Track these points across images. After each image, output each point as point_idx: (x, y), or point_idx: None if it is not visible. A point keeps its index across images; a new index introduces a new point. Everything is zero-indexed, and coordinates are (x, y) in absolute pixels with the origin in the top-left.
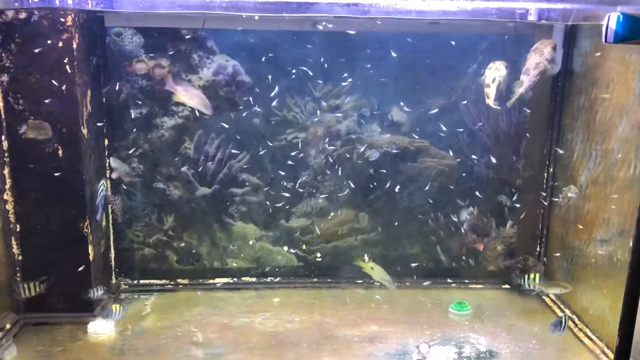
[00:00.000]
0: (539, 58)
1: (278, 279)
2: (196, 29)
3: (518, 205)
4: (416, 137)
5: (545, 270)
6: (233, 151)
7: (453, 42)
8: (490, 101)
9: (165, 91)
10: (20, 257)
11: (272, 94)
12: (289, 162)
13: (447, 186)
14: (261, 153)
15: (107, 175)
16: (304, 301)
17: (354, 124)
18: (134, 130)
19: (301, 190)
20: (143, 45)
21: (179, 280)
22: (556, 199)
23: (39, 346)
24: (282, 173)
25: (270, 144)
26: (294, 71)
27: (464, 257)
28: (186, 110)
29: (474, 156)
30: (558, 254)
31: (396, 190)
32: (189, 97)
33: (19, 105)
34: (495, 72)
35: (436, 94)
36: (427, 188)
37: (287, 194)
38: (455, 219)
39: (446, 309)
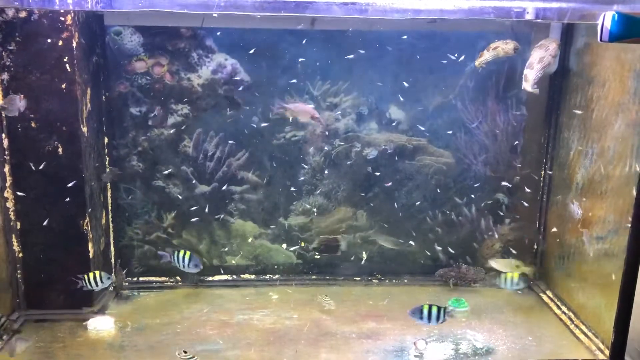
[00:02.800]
0: (544, 53)
1: (277, 276)
2: (195, 28)
3: (515, 203)
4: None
5: (543, 269)
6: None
7: (450, 41)
8: (479, 61)
9: (164, 90)
10: (20, 255)
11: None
12: (288, 160)
13: (445, 184)
14: (260, 151)
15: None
16: (302, 298)
17: (352, 122)
18: (134, 128)
19: (300, 188)
20: (142, 44)
21: (178, 278)
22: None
23: (39, 342)
24: (281, 171)
25: (269, 142)
26: (292, 69)
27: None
28: (185, 108)
29: (471, 154)
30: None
31: (392, 188)
32: (297, 113)
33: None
34: (501, 43)
35: (434, 92)
36: (425, 186)
37: (285, 192)
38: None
39: (444, 305)
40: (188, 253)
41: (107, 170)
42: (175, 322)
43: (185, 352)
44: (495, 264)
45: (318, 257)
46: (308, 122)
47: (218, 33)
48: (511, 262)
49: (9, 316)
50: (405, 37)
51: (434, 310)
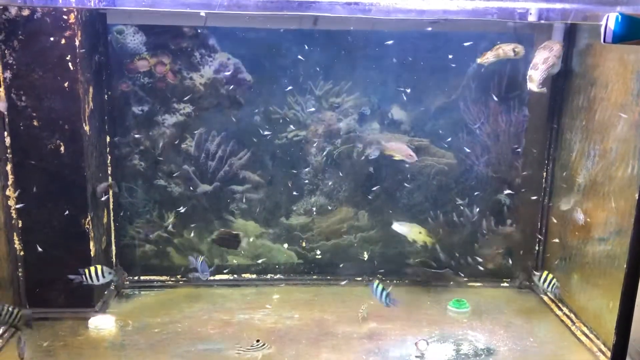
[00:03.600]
0: (548, 53)
1: (278, 275)
2: (198, 27)
3: (517, 204)
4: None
5: (542, 269)
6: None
7: (453, 41)
8: (481, 59)
9: (167, 89)
10: (22, 253)
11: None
12: (289, 160)
13: (447, 184)
14: (262, 150)
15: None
16: (303, 298)
17: (354, 122)
18: (136, 127)
19: (301, 187)
20: (145, 43)
21: (179, 277)
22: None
23: (40, 341)
24: (283, 170)
25: (271, 142)
26: (294, 69)
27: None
28: (187, 107)
29: (473, 155)
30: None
31: (394, 188)
32: (396, 150)
33: (21, 102)
34: (504, 45)
35: (436, 93)
36: (426, 186)
37: (287, 192)
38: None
39: (445, 306)
40: (201, 258)
41: (108, 183)
42: (176, 321)
43: (258, 340)
44: (398, 226)
45: (319, 257)
46: (403, 159)
47: (221, 32)
48: (414, 227)
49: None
50: (408, 37)
51: (379, 289)
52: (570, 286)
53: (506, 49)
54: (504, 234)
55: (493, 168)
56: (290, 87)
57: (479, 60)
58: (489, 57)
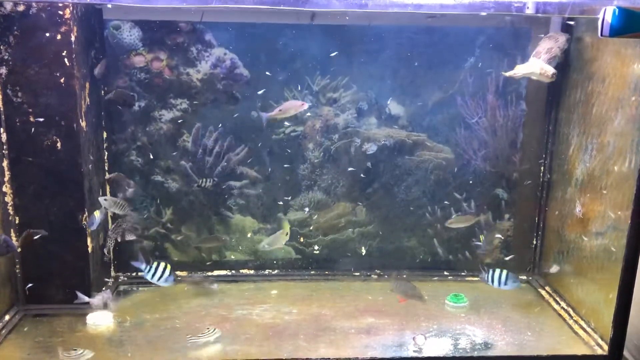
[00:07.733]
0: (553, 43)
1: (276, 271)
2: (194, 22)
3: (514, 199)
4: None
5: (540, 263)
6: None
7: (450, 36)
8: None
9: (162, 84)
10: (19, 249)
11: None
12: (287, 155)
13: (444, 179)
14: (259, 146)
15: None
16: (301, 293)
17: (352, 117)
18: (132, 123)
19: (299, 183)
20: (141, 38)
21: (177, 273)
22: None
23: (38, 337)
24: (280, 166)
25: (268, 137)
26: (291, 64)
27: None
28: (184, 103)
29: (470, 149)
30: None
31: (392, 183)
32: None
33: (17, 98)
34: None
35: (434, 88)
36: (424, 181)
37: (284, 187)
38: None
39: (442, 301)
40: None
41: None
42: (174, 317)
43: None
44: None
45: (317, 252)
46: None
47: (217, 27)
48: None
49: (7, 311)
50: (405, 31)
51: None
52: (567, 280)
53: (534, 68)
54: (502, 228)
55: (491, 162)
56: (287, 82)
57: (506, 74)
58: (517, 73)
